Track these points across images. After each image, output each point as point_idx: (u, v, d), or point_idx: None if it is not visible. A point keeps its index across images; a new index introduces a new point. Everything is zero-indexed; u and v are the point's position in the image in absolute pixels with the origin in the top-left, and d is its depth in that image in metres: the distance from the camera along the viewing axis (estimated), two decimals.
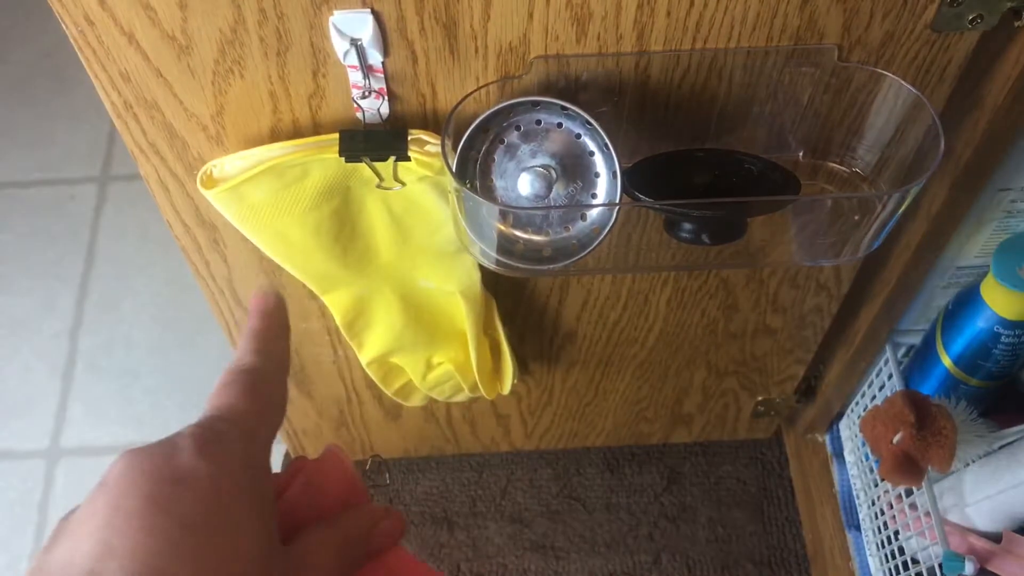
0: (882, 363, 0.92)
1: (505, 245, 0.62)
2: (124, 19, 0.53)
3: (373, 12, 0.53)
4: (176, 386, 1.29)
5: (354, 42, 0.55)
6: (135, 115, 0.59)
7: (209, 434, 0.32)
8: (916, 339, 0.92)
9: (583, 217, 0.62)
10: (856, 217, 0.62)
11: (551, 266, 0.62)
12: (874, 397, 0.94)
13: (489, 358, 0.81)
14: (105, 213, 1.46)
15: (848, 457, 1.05)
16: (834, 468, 1.07)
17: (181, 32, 0.54)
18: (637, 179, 0.61)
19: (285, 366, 0.37)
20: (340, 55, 0.55)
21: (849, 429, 1.05)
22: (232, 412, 0.33)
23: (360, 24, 0.54)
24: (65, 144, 1.54)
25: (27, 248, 1.43)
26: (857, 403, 1.01)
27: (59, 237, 1.44)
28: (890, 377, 0.90)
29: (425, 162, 0.60)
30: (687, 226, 0.60)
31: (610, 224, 0.60)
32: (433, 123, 0.61)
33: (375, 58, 0.56)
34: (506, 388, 0.85)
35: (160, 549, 0.28)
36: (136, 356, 1.32)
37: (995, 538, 0.80)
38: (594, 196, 0.61)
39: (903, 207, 0.60)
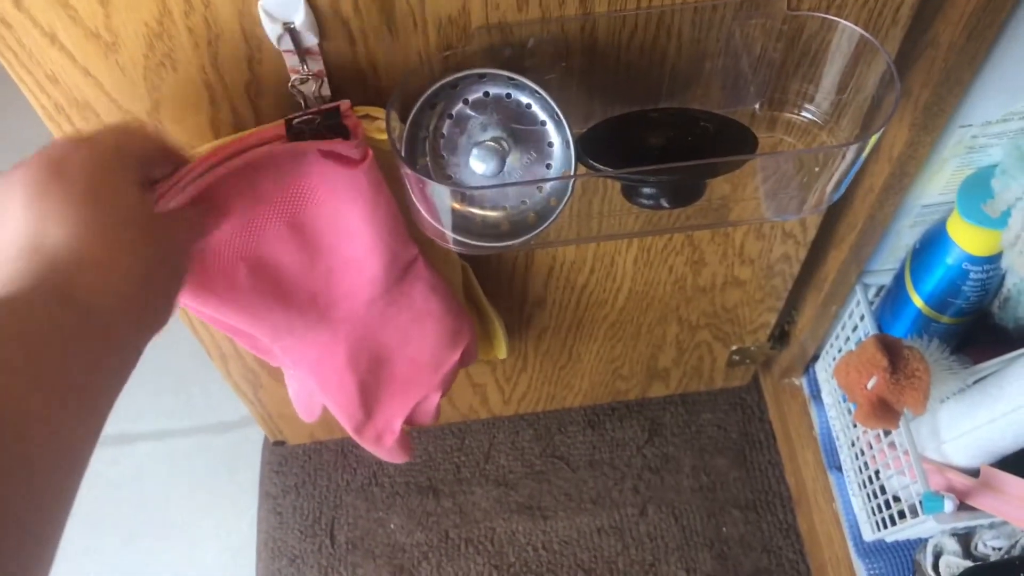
0: (853, 305, 0.92)
1: (461, 223, 0.61)
2: (44, 20, 0.50)
3: None
4: (149, 375, 1.27)
5: (286, 26, 0.53)
6: (67, 116, 0.57)
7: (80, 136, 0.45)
8: (886, 279, 0.92)
9: (539, 189, 0.60)
10: (816, 169, 0.61)
11: (512, 242, 0.61)
12: (847, 339, 0.94)
13: (477, 325, 0.80)
14: None
15: (826, 399, 1.05)
16: (813, 410, 1.08)
17: (105, 29, 0.51)
18: (591, 145, 0.60)
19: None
20: (274, 40, 0.53)
21: (825, 371, 1.05)
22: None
23: (291, 7, 0.52)
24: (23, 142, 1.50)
25: None
26: (832, 345, 1.01)
27: None
28: (862, 318, 0.90)
29: (378, 139, 0.58)
30: (645, 191, 0.59)
31: (567, 195, 0.59)
32: (377, 102, 0.59)
33: (311, 41, 0.54)
34: (502, 351, 0.84)
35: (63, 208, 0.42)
36: None
37: (973, 473, 0.81)
38: (548, 167, 0.59)
39: (864, 155, 0.59)
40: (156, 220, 0.46)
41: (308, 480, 1.15)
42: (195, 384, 1.25)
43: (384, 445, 0.75)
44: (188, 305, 0.61)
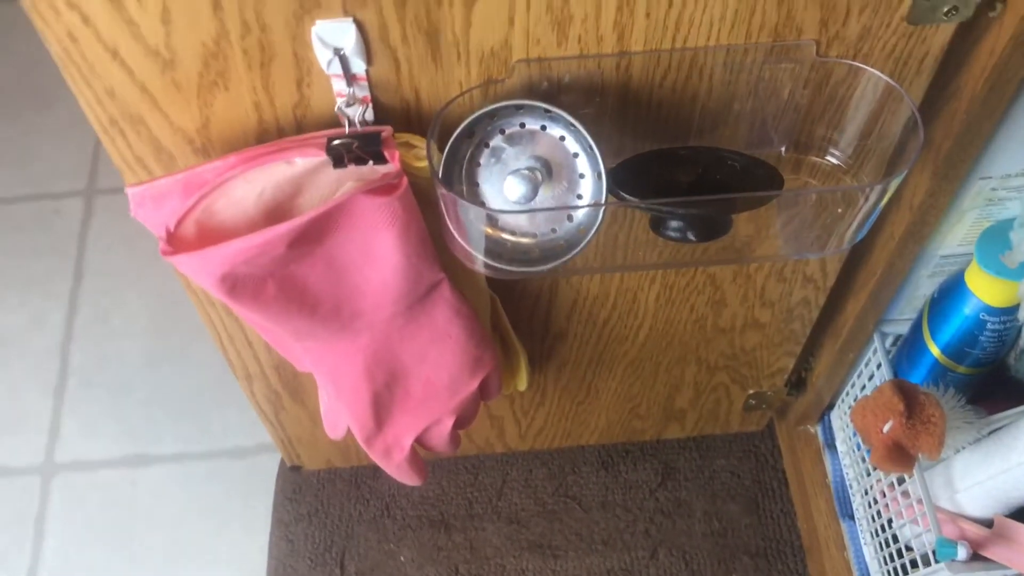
0: (871, 353, 0.93)
1: (493, 248, 0.62)
2: (107, 35, 0.53)
3: (355, 21, 0.54)
4: (170, 398, 1.29)
5: (337, 51, 0.55)
6: (121, 130, 0.59)
7: None
8: (903, 328, 0.93)
9: (569, 218, 0.62)
10: (840, 210, 0.63)
11: (539, 267, 0.63)
12: (864, 387, 0.95)
13: (501, 355, 0.81)
14: (92, 227, 1.46)
15: (840, 447, 1.06)
16: (827, 458, 1.08)
17: (165, 46, 0.54)
18: (622, 178, 0.62)
19: None
20: (324, 65, 0.56)
21: (840, 419, 1.06)
22: None
23: (342, 33, 0.54)
24: (49, 159, 1.53)
25: (14, 265, 1.43)
26: (847, 393, 1.02)
27: (46, 253, 1.44)
28: (879, 367, 0.91)
29: (415, 166, 0.60)
30: (673, 224, 0.61)
31: (596, 224, 0.60)
32: (418, 129, 0.61)
33: (359, 67, 0.56)
34: (523, 383, 0.85)
35: None
36: (128, 369, 1.32)
37: (987, 523, 0.81)
38: (579, 197, 0.61)
39: (885, 199, 0.61)
40: None
41: (321, 509, 1.16)
42: (213, 409, 1.26)
43: (393, 460, 0.76)
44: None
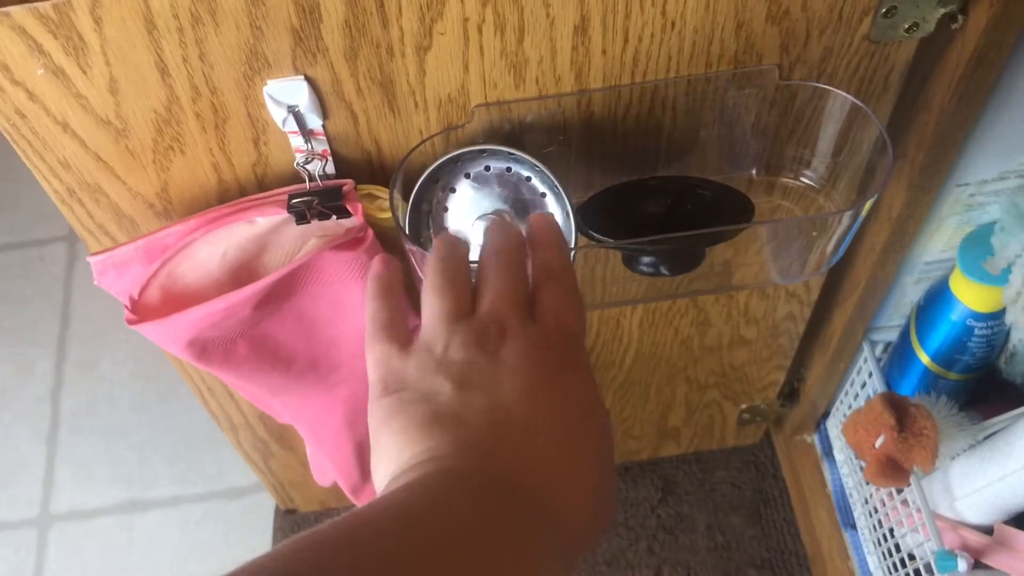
0: (861, 362, 0.92)
1: None
2: (56, 109, 0.52)
3: (307, 78, 0.53)
4: (162, 440, 1.28)
5: (291, 109, 0.54)
6: (79, 200, 0.59)
7: None
8: (893, 335, 0.92)
9: None
10: (814, 233, 0.62)
11: None
12: (856, 395, 0.94)
13: None
14: (76, 271, 1.45)
15: (838, 456, 1.05)
16: (825, 468, 1.07)
17: (116, 116, 0.53)
18: (591, 214, 0.61)
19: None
20: (279, 123, 0.55)
21: (836, 428, 1.05)
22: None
23: (295, 91, 0.53)
24: (30, 205, 1.53)
25: (0, 313, 1.42)
26: (841, 402, 1.01)
27: (31, 300, 1.43)
28: (870, 375, 0.90)
29: (379, 217, 0.59)
30: (645, 260, 0.60)
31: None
32: (381, 179, 0.60)
33: (315, 122, 0.56)
34: None
35: None
36: (119, 414, 1.31)
37: (987, 530, 0.80)
38: None
39: (860, 219, 0.60)
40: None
41: None
42: (207, 449, 1.26)
43: None
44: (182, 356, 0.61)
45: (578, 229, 0.59)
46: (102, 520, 1.21)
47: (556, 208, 0.59)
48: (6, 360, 1.38)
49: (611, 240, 0.58)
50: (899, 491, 0.86)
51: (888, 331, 0.92)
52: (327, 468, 0.77)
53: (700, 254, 0.61)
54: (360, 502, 0.74)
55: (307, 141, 0.56)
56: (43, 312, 1.42)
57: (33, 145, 0.54)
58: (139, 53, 0.50)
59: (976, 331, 0.80)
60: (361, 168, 0.60)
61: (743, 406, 1.03)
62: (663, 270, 0.60)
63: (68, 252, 1.47)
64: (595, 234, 0.59)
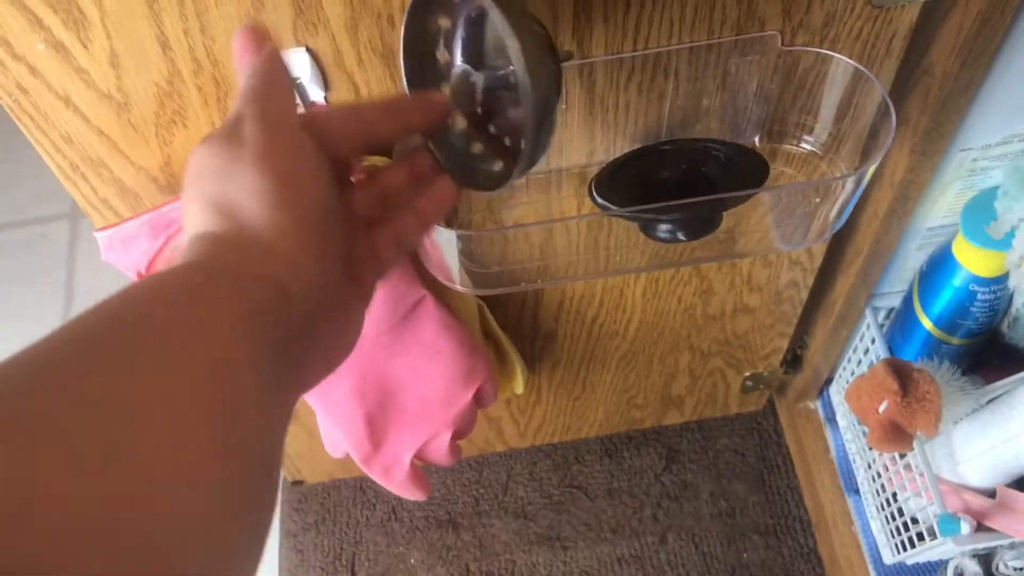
0: (864, 328, 0.93)
1: (468, 267, 0.62)
2: (57, 84, 0.52)
3: (308, 50, 0.53)
4: None
5: (293, 81, 0.54)
6: (83, 175, 0.59)
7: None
8: (896, 301, 0.92)
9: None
10: (817, 199, 0.62)
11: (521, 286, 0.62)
12: (860, 362, 0.95)
13: (494, 360, 0.81)
14: (79, 249, 1.46)
15: (841, 422, 1.06)
16: (828, 433, 1.08)
17: (117, 90, 0.53)
18: (606, 184, 0.61)
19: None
20: None
21: (839, 395, 1.05)
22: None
23: (296, 63, 0.53)
24: (32, 184, 1.53)
25: (5, 292, 1.43)
26: (844, 368, 1.01)
27: (35, 278, 1.44)
28: (873, 342, 0.90)
29: None
30: (663, 227, 0.60)
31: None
32: None
33: (316, 94, 0.56)
34: (519, 387, 0.85)
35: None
36: None
37: (990, 493, 0.81)
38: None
39: (863, 185, 0.60)
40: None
41: (328, 517, 1.16)
42: None
43: (393, 478, 0.76)
44: None
45: (594, 198, 0.59)
46: None
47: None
48: (11, 338, 1.38)
49: (621, 209, 0.58)
50: (902, 456, 0.87)
51: (891, 297, 0.93)
52: (338, 439, 0.77)
53: (718, 218, 0.61)
54: (371, 471, 0.75)
55: None
56: (47, 290, 1.42)
57: (35, 120, 0.54)
58: (140, 26, 0.50)
59: (979, 296, 0.80)
60: None
61: (746, 374, 1.04)
62: (680, 236, 0.60)
63: (71, 229, 1.47)
64: (610, 204, 0.59)
